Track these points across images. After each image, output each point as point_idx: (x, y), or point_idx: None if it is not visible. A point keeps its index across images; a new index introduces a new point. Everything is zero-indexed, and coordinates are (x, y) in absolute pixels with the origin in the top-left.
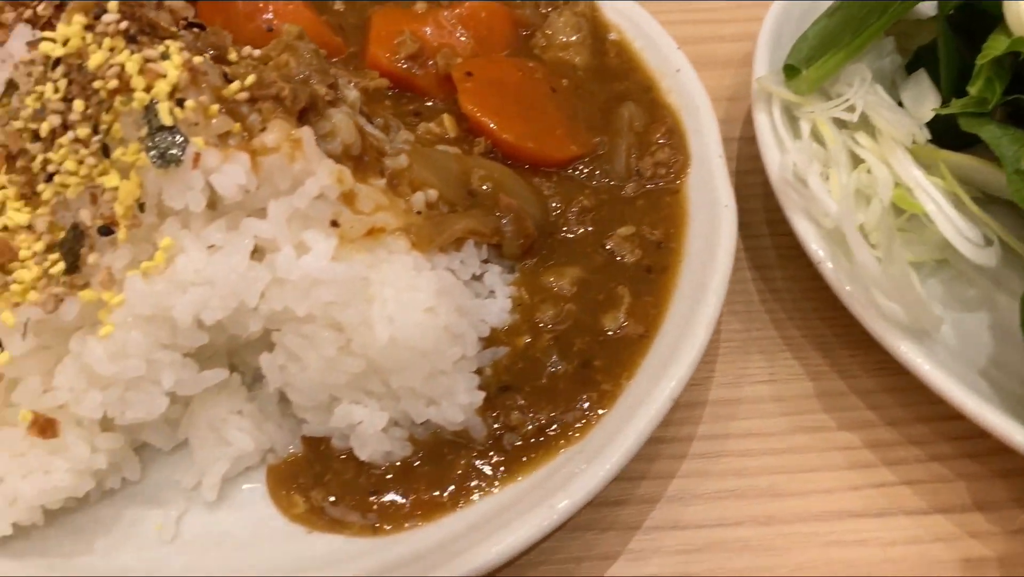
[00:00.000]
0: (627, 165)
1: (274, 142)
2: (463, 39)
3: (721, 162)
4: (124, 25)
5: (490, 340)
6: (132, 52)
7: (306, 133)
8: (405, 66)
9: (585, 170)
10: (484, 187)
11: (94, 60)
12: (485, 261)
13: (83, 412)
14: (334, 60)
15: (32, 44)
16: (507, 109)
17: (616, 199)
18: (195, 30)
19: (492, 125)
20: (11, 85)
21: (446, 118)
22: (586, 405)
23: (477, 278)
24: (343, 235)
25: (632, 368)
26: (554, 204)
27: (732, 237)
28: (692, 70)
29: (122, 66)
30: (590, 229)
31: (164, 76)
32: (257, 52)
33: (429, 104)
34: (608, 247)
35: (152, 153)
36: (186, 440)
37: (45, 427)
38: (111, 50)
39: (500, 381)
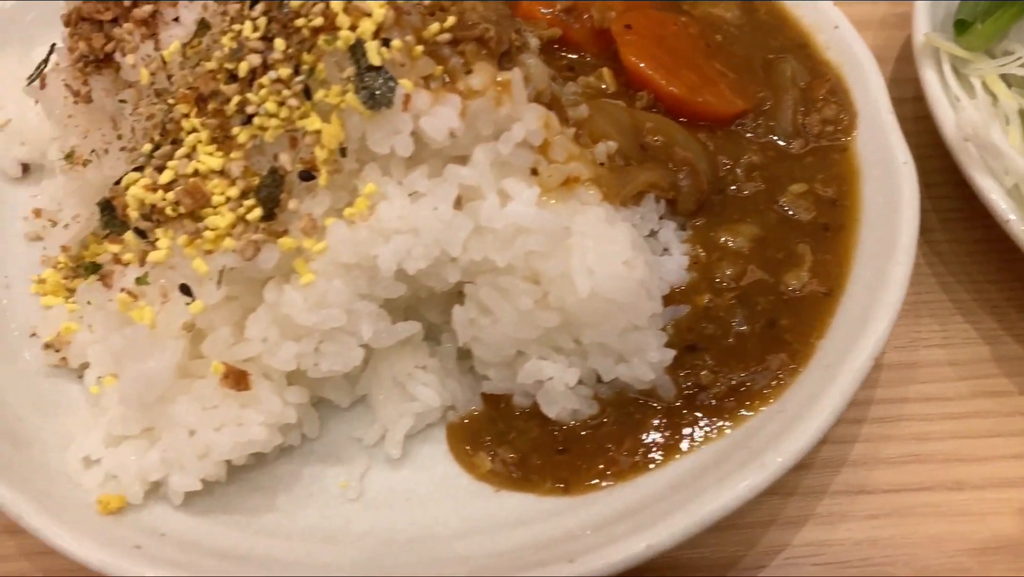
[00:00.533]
0: (794, 122)
1: (480, 85)
2: None
3: (892, 118)
4: None
5: (667, 299)
6: None
7: (516, 76)
8: (562, 19)
9: (749, 126)
10: (655, 140)
11: None
12: (660, 217)
13: (276, 364)
14: None
15: None
16: (669, 63)
17: (783, 156)
18: None
19: (659, 79)
20: (203, 25)
21: (605, 72)
22: (777, 365)
23: (652, 235)
24: (542, 184)
25: (822, 328)
26: (722, 160)
27: (916, 194)
28: (851, 26)
29: (327, 3)
30: (761, 186)
31: (369, 15)
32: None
33: (576, 58)
34: (781, 204)
35: (363, 94)
36: (362, 396)
37: (239, 379)
38: None
39: (684, 340)
